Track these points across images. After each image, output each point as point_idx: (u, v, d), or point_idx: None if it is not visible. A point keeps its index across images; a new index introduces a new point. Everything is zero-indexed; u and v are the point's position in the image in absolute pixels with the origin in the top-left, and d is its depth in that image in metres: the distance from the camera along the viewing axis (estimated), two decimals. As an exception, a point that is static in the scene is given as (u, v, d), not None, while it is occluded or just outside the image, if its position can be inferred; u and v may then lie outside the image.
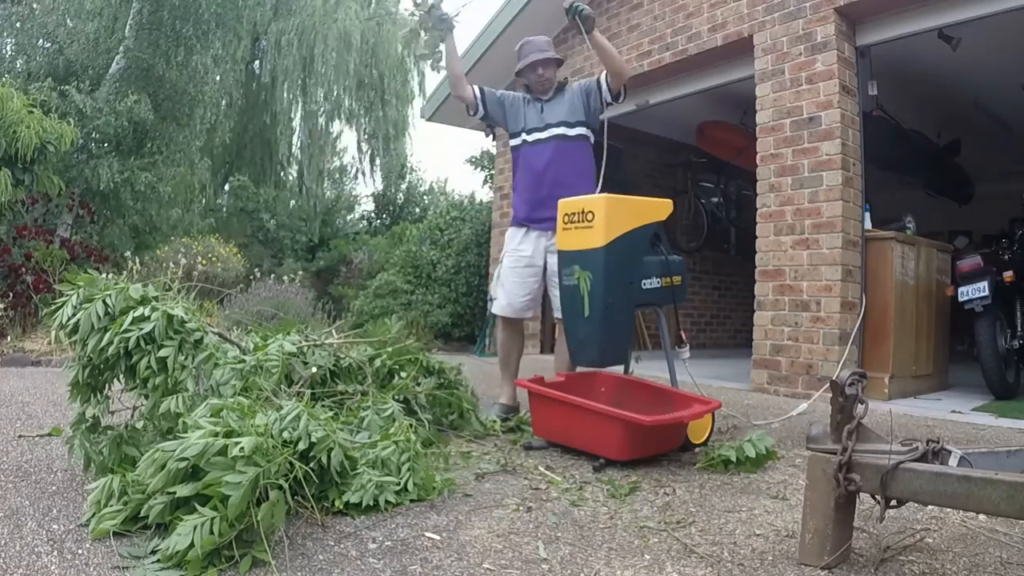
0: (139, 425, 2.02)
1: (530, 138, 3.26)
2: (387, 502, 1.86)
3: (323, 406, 2.25)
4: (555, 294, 3.16)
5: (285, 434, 1.68)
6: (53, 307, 1.89)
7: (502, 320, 3.34)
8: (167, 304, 1.91)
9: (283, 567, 1.46)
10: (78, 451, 1.95)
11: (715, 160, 7.35)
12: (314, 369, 2.56)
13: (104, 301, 1.84)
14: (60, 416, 2.87)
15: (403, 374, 2.74)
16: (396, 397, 2.54)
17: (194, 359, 1.90)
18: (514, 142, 3.36)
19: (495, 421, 2.96)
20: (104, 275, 1.99)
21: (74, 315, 1.84)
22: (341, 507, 1.80)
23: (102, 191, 7.57)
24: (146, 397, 1.88)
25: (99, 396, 1.96)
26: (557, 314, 3.22)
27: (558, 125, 3.23)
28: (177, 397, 1.81)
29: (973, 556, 1.65)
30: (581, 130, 3.26)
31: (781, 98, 4.52)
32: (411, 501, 1.93)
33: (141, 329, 1.82)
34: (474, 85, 3.40)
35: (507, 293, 3.26)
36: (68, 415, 2.04)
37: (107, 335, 1.81)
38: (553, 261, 3.13)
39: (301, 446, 1.69)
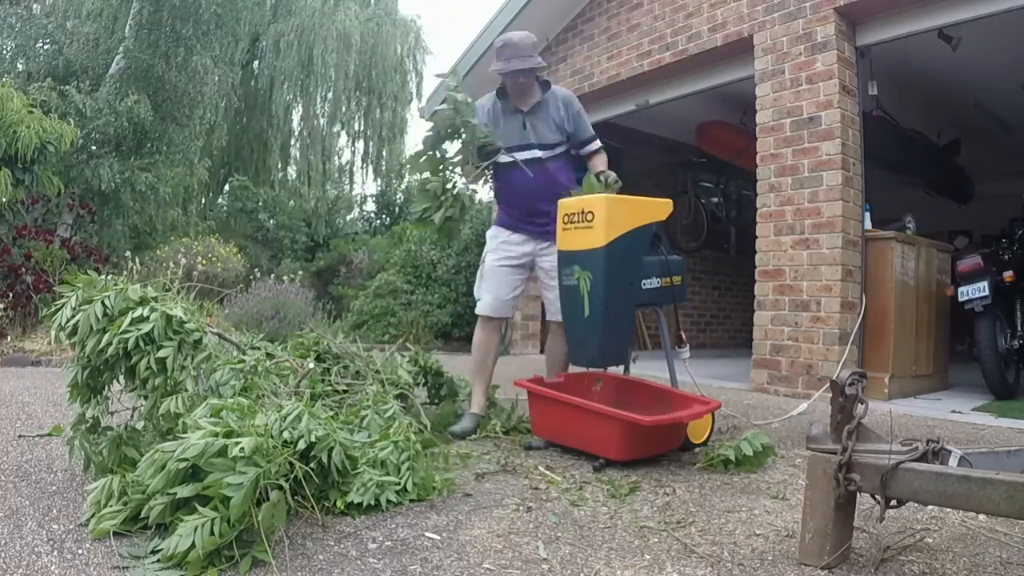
0: (139, 426, 2.02)
1: (512, 157, 3.05)
2: (388, 501, 1.86)
3: (323, 405, 2.25)
4: (549, 296, 3.12)
5: (286, 434, 1.68)
6: (53, 308, 1.89)
7: (483, 321, 3.16)
8: (166, 304, 1.90)
9: (283, 567, 1.46)
10: (78, 452, 1.95)
11: (715, 160, 7.35)
12: (311, 364, 2.57)
13: (103, 302, 1.84)
14: (60, 416, 2.87)
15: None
16: (396, 396, 2.55)
17: (193, 359, 1.90)
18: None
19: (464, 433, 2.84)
20: (104, 275, 1.99)
21: (73, 316, 1.84)
22: (343, 508, 1.80)
23: (102, 191, 7.57)
24: (146, 398, 1.88)
25: (98, 397, 1.96)
26: (550, 316, 3.19)
27: (541, 147, 3.06)
28: (177, 398, 1.81)
29: (973, 556, 1.65)
30: (561, 148, 3.12)
31: (781, 98, 4.52)
32: (411, 501, 1.93)
33: (140, 330, 1.81)
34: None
35: (494, 290, 3.13)
36: (68, 415, 2.05)
37: (106, 336, 1.80)
38: (545, 263, 3.10)
39: (301, 445, 1.69)
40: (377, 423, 2.24)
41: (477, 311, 3.18)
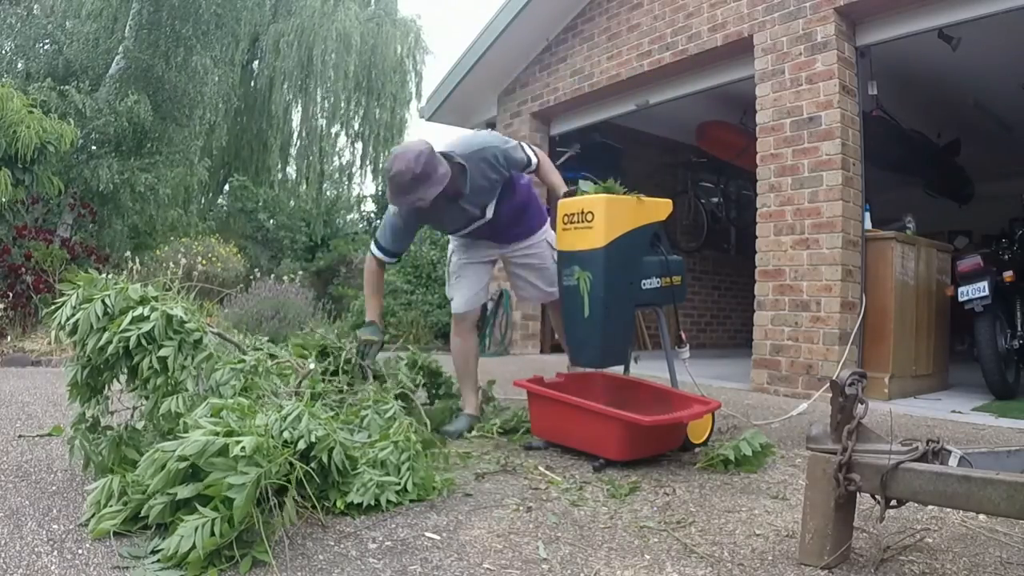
0: (139, 426, 2.02)
1: (464, 232, 3.02)
2: (388, 502, 1.86)
3: (324, 404, 2.25)
4: (519, 283, 3.17)
5: (286, 434, 1.68)
6: (53, 307, 1.89)
7: (458, 321, 3.11)
8: (166, 304, 1.91)
9: (283, 567, 1.46)
10: (78, 452, 1.95)
11: (715, 160, 7.36)
12: (312, 365, 2.57)
13: (103, 301, 1.84)
14: (60, 416, 2.87)
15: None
16: (397, 396, 2.55)
17: (194, 359, 1.90)
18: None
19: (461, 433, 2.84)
20: (104, 275, 1.99)
21: (73, 315, 1.84)
22: (343, 508, 1.80)
23: (101, 192, 7.57)
24: (146, 398, 1.88)
25: (98, 397, 1.96)
26: (526, 296, 3.19)
27: (483, 210, 2.91)
28: (177, 397, 1.81)
29: (973, 556, 1.65)
30: (506, 188, 2.94)
31: (781, 98, 4.52)
32: (411, 501, 1.93)
33: (140, 329, 1.81)
34: (377, 255, 3.02)
35: (464, 285, 3.09)
36: (68, 415, 2.05)
37: (106, 335, 1.80)
38: (515, 259, 3.12)
39: (302, 445, 1.69)
40: (377, 423, 2.24)
41: (452, 310, 3.14)
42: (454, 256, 3.18)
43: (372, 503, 1.83)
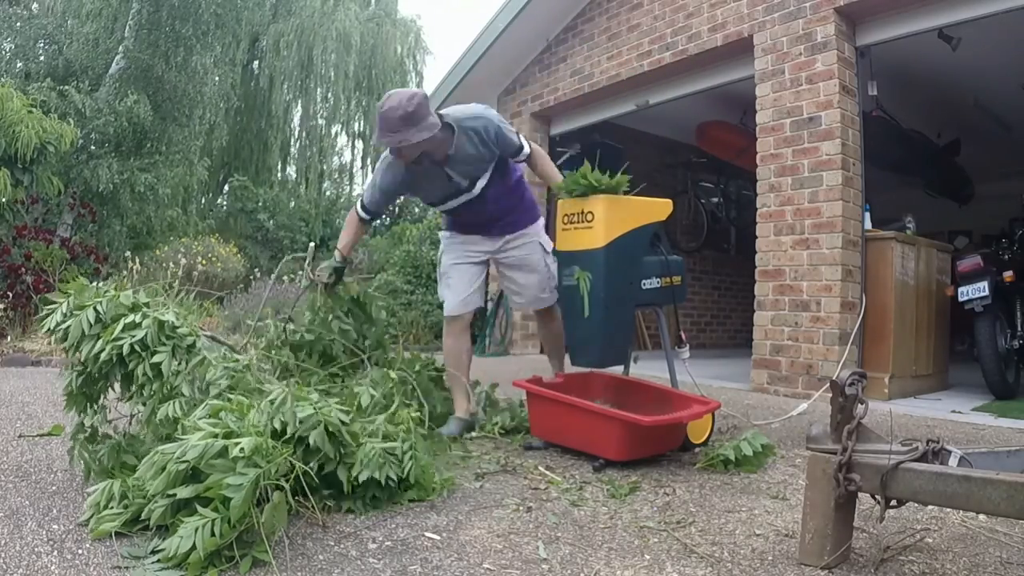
0: (137, 433, 2.03)
1: (449, 206, 2.94)
2: (387, 486, 1.84)
3: (319, 391, 2.21)
4: (511, 286, 3.12)
5: (276, 423, 1.66)
6: (43, 314, 1.90)
7: (450, 322, 3.02)
8: (158, 310, 1.91)
9: (283, 567, 1.46)
10: (78, 460, 1.96)
11: (715, 160, 7.36)
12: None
13: (95, 308, 1.85)
14: (60, 416, 2.86)
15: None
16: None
17: (188, 363, 1.90)
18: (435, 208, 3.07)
19: (455, 439, 2.74)
20: (104, 275, 2.00)
21: (64, 321, 1.84)
22: (350, 488, 1.78)
23: (101, 192, 7.57)
24: (143, 404, 1.88)
25: (95, 406, 1.97)
26: (516, 306, 3.12)
27: (472, 186, 2.85)
28: (174, 402, 1.81)
29: (973, 556, 1.65)
30: (498, 170, 2.90)
31: (781, 98, 4.52)
32: (411, 501, 1.93)
33: (133, 336, 1.82)
34: (359, 211, 2.97)
35: (455, 287, 3.01)
36: (68, 415, 2.05)
37: (99, 343, 1.81)
38: (507, 259, 3.05)
39: (289, 431, 1.67)
40: (373, 398, 2.20)
41: (444, 313, 3.06)
42: (444, 256, 3.10)
43: (378, 479, 1.80)
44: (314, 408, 1.76)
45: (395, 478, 1.86)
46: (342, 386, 2.52)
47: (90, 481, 1.96)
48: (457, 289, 3.02)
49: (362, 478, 1.79)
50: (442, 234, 3.20)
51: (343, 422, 1.81)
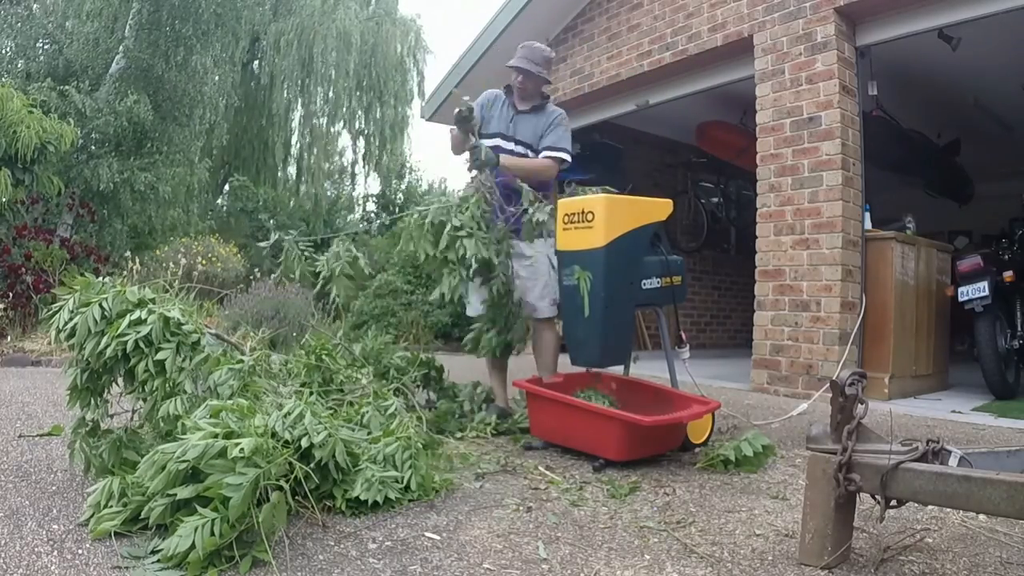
0: (138, 428, 2.02)
1: (491, 143, 3.12)
2: (388, 499, 1.86)
3: (322, 403, 2.24)
4: (525, 286, 3.10)
5: (287, 434, 1.68)
6: (51, 311, 1.89)
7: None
8: (164, 306, 1.90)
9: (283, 567, 1.46)
10: (78, 455, 1.96)
11: (715, 160, 7.35)
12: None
13: (101, 304, 1.84)
14: (60, 416, 2.87)
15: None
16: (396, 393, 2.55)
17: (192, 361, 1.90)
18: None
19: (489, 424, 2.93)
20: (104, 275, 2.00)
21: (71, 319, 1.84)
22: (343, 506, 1.80)
23: (101, 191, 7.57)
24: (145, 400, 1.88)
25: (98, 400, 1.96)
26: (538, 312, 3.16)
27: (506, 141, 3.17)
28: (176, 399, 1.81)
29: (973, 556, 1.65)
30: (537, 155, 3.18)
31: (781, 98, 4.52)
32: (411, 501, 1.93)
33: (138, 332, 1.82)
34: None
35: (479, 293, 3.05)
36: (68, 415, 2.05)
37: (104, 339, 1.80)
38: (519, 266, 3.07)
39: (304, 443, 1.69)
40: (378, 419, 2.23)
41: (469, 313, 3.18)
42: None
43: (378, 500, 1.83)
44: (327, 429, 1.78)
45: (394, 498, 1.88)
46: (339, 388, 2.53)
47: (90, 476, 1.97)
48: (479, 294, 3.05)
49: (362, 498, 1.82)
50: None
51: (349, 452, 1.86)
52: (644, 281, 2.69)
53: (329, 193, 14.76)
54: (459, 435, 2.83)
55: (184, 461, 1.50)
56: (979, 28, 4.21)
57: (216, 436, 1.56)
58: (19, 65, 8.61)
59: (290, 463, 1.63)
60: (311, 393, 2.28)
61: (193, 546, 1.39)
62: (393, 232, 12.07)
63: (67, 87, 7.44)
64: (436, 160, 35.70)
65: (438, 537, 1.69)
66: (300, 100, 13.51)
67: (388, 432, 2.08)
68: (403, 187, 15.65)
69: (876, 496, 1.47)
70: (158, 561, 1.43)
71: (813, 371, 4.22)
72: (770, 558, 1.62)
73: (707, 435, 2.73)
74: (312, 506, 1.73)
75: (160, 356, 1.83)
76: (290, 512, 1.60)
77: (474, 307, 3.13)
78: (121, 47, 8.23)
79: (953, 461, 1.49)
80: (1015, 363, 4.49)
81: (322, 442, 1.74)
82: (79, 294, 1.89)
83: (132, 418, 2.06)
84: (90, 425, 1.98)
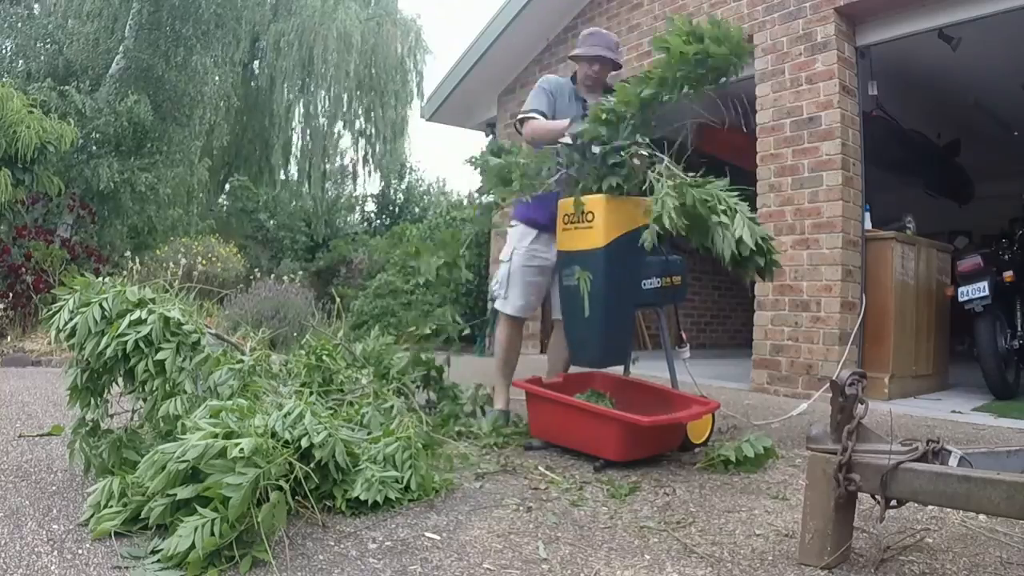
0: (138, 428, 2.02)
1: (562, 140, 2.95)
2: (388, 499, 1.86)
3: (326, 406, 2.24)
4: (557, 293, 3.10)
5: (287, 434, 1.68)
6: (51, 311, 1.89)
7: (508, 320, 3.16)
8: (164, 306, 1.90)
9: (283, 567, 1.46)
10: (78, 455, 1.96)
11: (715, 160, 7.34)
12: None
13: (101, 304, 1.84)
14: (60, 416, 2.87)
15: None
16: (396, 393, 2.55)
17: (192, 361, 1.90)
18: None
19: (494, 429, 2.86)
20: (104, 275, 1.99)
21: (71, 319, 1.84)
22: (343, 506, 1.80)
23: (102, 191, 7.57)
24: (145, 400, 1.88)
25: (98, 400, 1.96)
26: (556, 314, 3.16)
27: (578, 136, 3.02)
28: (176, 399, 1.81)
29: (973, 556, 1.65)
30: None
31: (781, 98, 4.52)
32: (411, 501, 1.93)
33: (138, 332, 1.82)
34: (536, 115, 3.13)
35: (522, 294, 3.10)
36: (68, 415, 2.05)
37: (104, 339, 1.80)
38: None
39: (304, 443, 1.69)
40: (378, 419, 2.23)
41: (501, 308, 3.14)
42: (517, 257, 3.13)
43: (378, 500, 1.83)
44: (327, 429, 1.78)
45: (394, 498, 1.88)
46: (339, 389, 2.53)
47: (90, 476, 1.97)
48: (523, 296, 3.10)
49: (362, 498, 1.82)
50: (517, 231, 3.16)
51: (349, 453, 1.85)
52: (644, 281, 2.69)
53: (330, 193, 14.77)
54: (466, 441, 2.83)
55: (184, 461, 1.50)
56: (979, 28, 4.21)
57: (216, 436, 1.55)
58: (19, 65, 8.61)
59: (290, 463, 1.63)
60: (311, 393, 2.28)
61: (193, 546, 1.39)
62: (393, 232, 12.07)
63: (67, 87, 7.44)
64: (436, 160, 35.73)
65: (438, 537, 1.69)
66: (301, 100, 13.52)
67: (388, 432, 2.08)
68: (403, 187, 15.67)
69: (876, 496, 1.47)
70: (158, 561, 1.43)
71: (813, 371, 4.22)
72: (770, 558, 1.62)
73: (707, 435, 2.72)
74: (312, 506, 1.73)
75: (160, 356, 1.83)
76: (290, 512, 1.60)
77: (512, 306, 3.13)
78: (121, 47, 8.23)
79: (953, 461, 1.49)
80: (1015, 363, 4.49)
81: (322, 442, 1.74)
82: (79, 294, 1.89)
83: (132, 418, 2.06)
84: (90, 425, 1.98)
